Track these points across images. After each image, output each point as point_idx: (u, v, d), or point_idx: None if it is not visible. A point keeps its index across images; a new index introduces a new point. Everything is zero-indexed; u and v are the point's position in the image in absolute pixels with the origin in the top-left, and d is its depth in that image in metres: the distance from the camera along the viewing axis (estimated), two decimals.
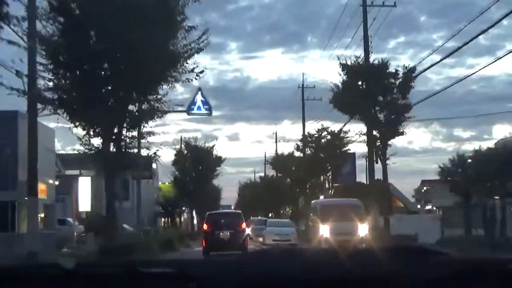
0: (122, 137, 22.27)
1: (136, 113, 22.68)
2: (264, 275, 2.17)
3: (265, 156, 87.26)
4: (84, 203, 31.46)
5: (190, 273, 2.21)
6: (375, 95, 31.59)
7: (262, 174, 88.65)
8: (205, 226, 26.94)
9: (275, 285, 2.16)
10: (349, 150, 46.04)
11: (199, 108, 31.09)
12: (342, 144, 44.89)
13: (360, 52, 32.94)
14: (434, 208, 50.89)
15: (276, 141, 77.94)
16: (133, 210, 47.56)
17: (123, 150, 22.51)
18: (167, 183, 70.89)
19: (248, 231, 30.88)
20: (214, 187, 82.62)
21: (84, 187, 31.36)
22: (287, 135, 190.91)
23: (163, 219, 76.02)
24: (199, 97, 30.96)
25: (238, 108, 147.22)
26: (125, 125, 22.24)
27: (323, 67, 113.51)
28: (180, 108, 29.23)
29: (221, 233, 25.69)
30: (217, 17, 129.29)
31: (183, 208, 70.96)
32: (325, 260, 2.23)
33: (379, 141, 31.96)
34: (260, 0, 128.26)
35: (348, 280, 2.14)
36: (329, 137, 46.36)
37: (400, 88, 31.29)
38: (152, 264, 2.38)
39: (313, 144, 48.40)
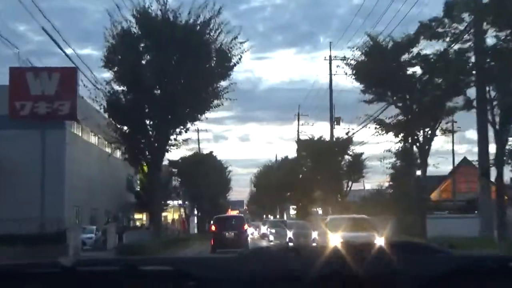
0: None
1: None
2: (263, 273, 2.17)
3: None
4: None
5: (189, 271, 2.22)
6: None
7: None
8: (213, 228, 32.13)
9: (274, 283, 2.16)
10: None
11: None
12: None
13: None
14: None
15: (330, 64, 46.87)
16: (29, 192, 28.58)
17: None
18: None
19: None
20: (214, 158, 55.55)
21: None
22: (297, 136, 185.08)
23: (138, 215, 53.41)
24: None
25: (249, 109, 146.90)
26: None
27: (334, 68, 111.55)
28: None
29: (227, 233, 30.41)
30: (229, 17, 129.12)
31: (180, 202, 48.38)
32: (324, 257, 2.22)
33: None
34: (272, 0, 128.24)
35: (348, 276, 2.14)
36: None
37: None
38: (151, 262, 2.39)
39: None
